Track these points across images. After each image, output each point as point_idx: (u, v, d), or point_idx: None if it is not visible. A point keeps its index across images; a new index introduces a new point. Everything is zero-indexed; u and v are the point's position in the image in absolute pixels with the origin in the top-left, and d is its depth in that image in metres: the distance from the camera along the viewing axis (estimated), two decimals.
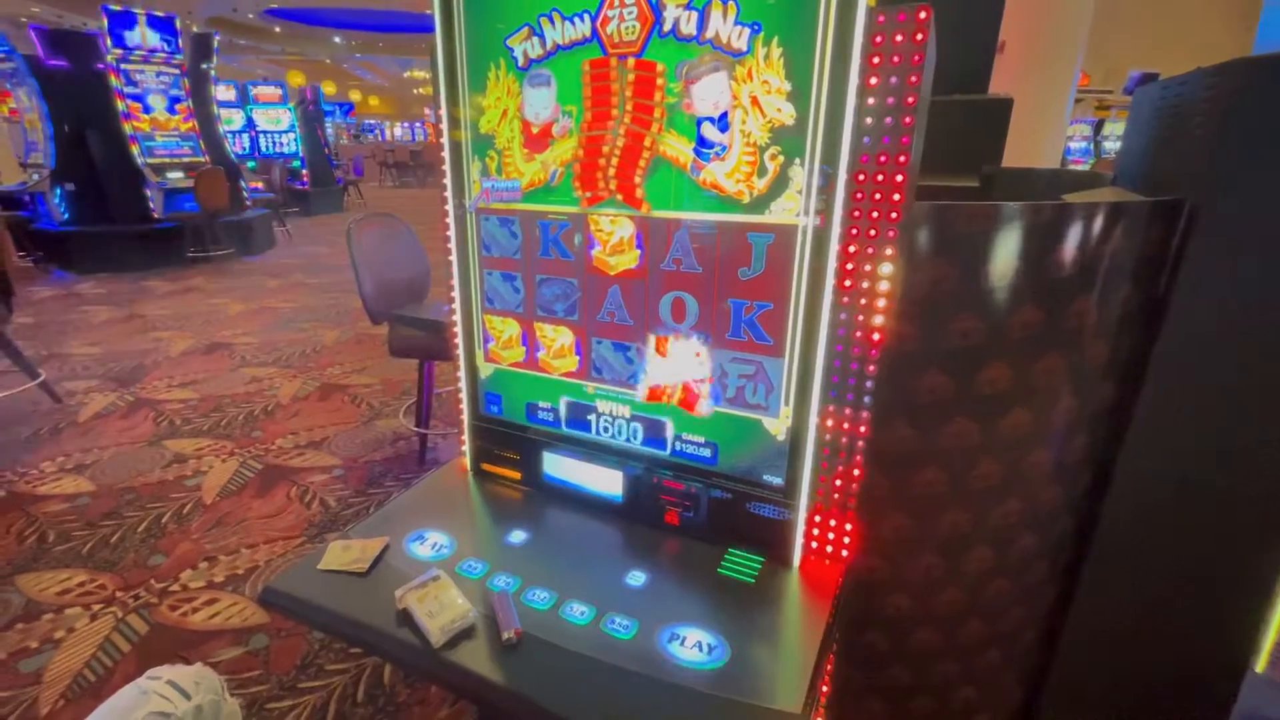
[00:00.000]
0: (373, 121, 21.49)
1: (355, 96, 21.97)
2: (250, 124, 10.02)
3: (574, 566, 0.90)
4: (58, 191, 5.90)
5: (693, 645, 0.75)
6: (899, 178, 0.74)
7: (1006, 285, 1.02)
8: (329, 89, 16.13)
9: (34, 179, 6.13)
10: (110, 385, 3.44)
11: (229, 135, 7.73)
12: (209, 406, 3.17)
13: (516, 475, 1.08)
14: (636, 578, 0.87)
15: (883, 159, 0.74)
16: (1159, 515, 1.18)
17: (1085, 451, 1.18)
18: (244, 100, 9.84)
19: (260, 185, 8.35)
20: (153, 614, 1.80)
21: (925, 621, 1.22)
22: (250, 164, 8.95)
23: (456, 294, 1.04)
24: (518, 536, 0.96)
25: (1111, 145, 11.35)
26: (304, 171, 10.20)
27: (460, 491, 1.09)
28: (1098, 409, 1.16)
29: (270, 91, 9.97)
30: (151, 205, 6.18)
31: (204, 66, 6.81)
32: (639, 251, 0.87)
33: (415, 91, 23.41)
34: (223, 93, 8.76)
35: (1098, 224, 1.03)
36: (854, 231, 0.77)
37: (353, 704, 1.52)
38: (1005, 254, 1.01)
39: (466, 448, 1.14)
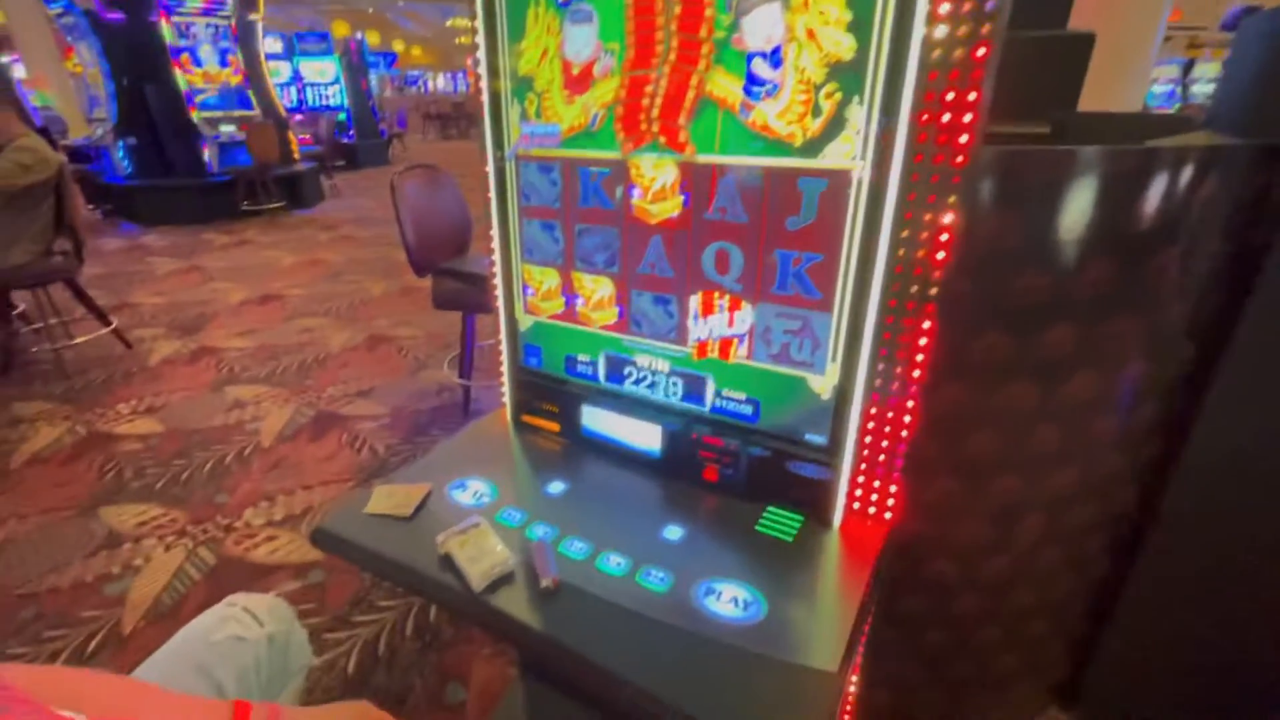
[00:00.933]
0: (415, 73, 21.38)
1: (399, 47, 21.81)
2: (297, 76, 10.11)
3: (611, 519, 0.90)
4: (120, 145, 6.11)
5: (729, 600, 0.75)
6: (968, 118, 0.68)
7: (1079, 239, 0.94)
8: (372, 39, 16.03)
9: (98, 133, 6.36)
10: (175, 333, 3.61)
11: (277, 88, 7.80)
12: (265, 355, 3.31)
13: (555, 427, 1.09)
14: (673, 532, 0.87)
15: (950, 98, 0.68)
16: (1235, 485, 1.10)
17: (1156, 418, 1.11)
18: (290, 52, 9.90)
19: (308, 138, 8.47)
20: (219, 547, 1.93)
21: (970, 587, 1.19)
22: (298, 116, 9.05)
23: (496, 244, 1.03)
24: (556, 487, 0.97)
25: (1201, 89, 10.35)
26: (350, 125, 10.27)
27: (501, 442, 1.10)
28: (1173, 372, 1.09)
29: (316, 43, 9.99)
30: (207, 159, 6.34)
31: (251, 18, 6.85)
32: (682, 198, 0.83)
33: (457, 41, 23.07)
34: (270, 44, 8.82)
35: (1189, 170, 0.94)
36: (915, 178, 0.71)
37: (401, 638, 1.61)
38: (1080, 205, 0.93)
39: (506, 399, 1.14)
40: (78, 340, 3.26)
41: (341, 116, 10.21)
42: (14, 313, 3.20)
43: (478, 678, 1.52)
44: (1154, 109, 9.71)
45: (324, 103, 10.26)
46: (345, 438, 2.52)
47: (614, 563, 0.81)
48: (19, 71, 9.11)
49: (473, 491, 0.96)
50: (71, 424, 2.63)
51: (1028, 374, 1.00)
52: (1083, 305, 0.97)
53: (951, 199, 0.71)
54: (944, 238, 0.73)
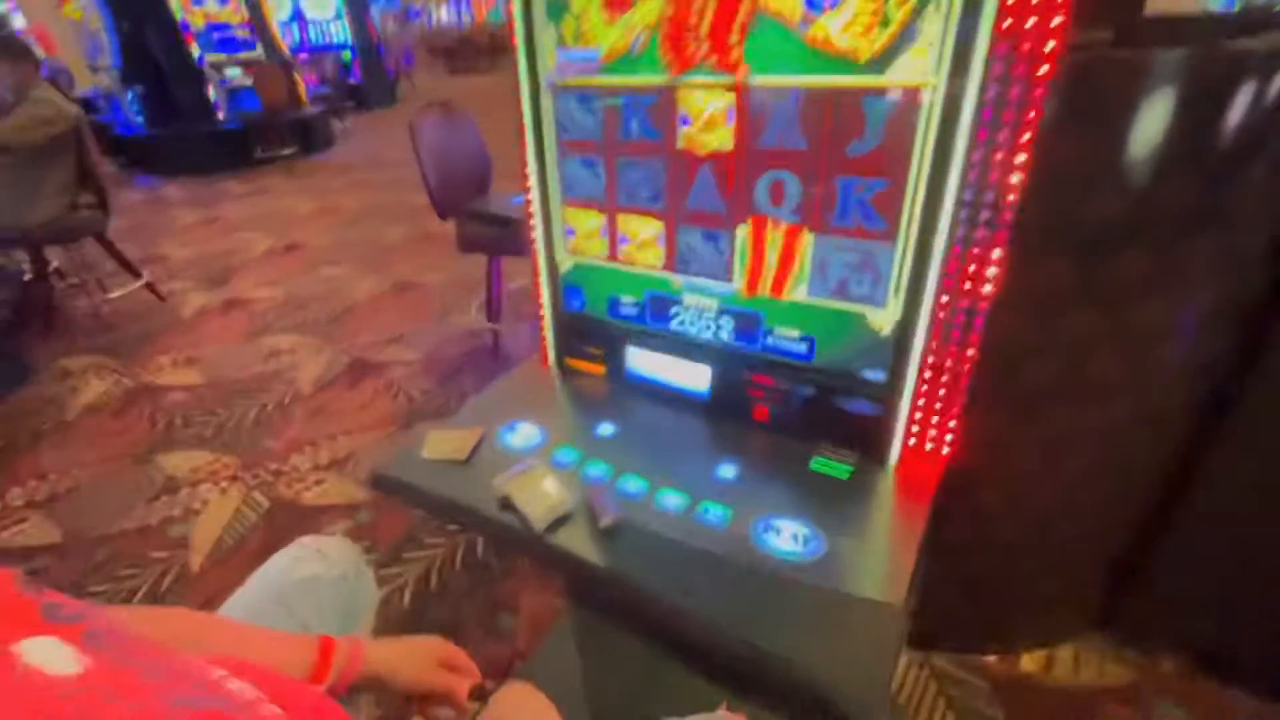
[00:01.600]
0: (416, 5, 20.45)
1: None
2: (298, 13, 9.72)
3: (663, 458, 0.90)
4: (129, 94, 6.01)
5: (788, 536, 0.75)
6: (1056, 21, 0.62)
7: (1157, 156, 0.88)
8: None
9: (105, 82, 6.24)
10: (205, 285, 3.65)
11: (278, 26, 7.53)
12: (294, 304, 3.33)
13: (600, 370, 1.08)
14: (727, 470, 0.87)
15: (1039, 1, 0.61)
16: None
17: (1225, 346, 1.07)
18: None
19: (314, 79, 8.23)
20: (271, 490, 2.00)
21: (1015, 517, 1.19)
22: (299, 58, 8.78)
23: (533, 183, 0.99)
24: (606, 429, 0.97)
25: None
26: (355, 63, 9.94)
27: (545, 386, 1.10)
28: (1250, 298, 1.03)
29: None
30: (216, 104, 6.22)
31: None
32: (733, 127, 0.78)
33: None
34: None
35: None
36: (992, 94, 0.66)
37: (451, 572, 1.68)
38: (1158, 117, 0.86)
39: (549, 343, 1.14)
40: (113, 295, 3.31)
41: (346, 55, 9.86)
42: (49, 269, 3.25)
43: (526, 608, 1.59)
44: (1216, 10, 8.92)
45: (327, 41, 9.90)
46: (380, 384, 2.56)
47: (671, 500, 0.82)
48: (18, 21, 8.90)
49: (523, 434, 0.96)
50: (118, 376, 2.70)
51: (1092, 302, 0.96)
52: (1157, 228, 0.91)
53: (1033, 115, 0.66)
54: (1021, 159, 0.68)
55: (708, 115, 0.80)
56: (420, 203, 2.30)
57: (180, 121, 6.16)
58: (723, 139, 0.80)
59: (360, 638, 0.80)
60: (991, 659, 1.41)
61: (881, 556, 0.74)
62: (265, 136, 6.45)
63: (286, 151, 6.63)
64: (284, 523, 1.87)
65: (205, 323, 3.19)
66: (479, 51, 15.37)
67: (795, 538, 0.75)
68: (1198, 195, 0.89)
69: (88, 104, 6.38)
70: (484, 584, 1.64)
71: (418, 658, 0.78)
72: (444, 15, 20.11)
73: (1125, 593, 1.37)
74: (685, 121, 0.82)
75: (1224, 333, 1.05)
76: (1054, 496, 1.17)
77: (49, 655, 0.36)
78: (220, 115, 6.24)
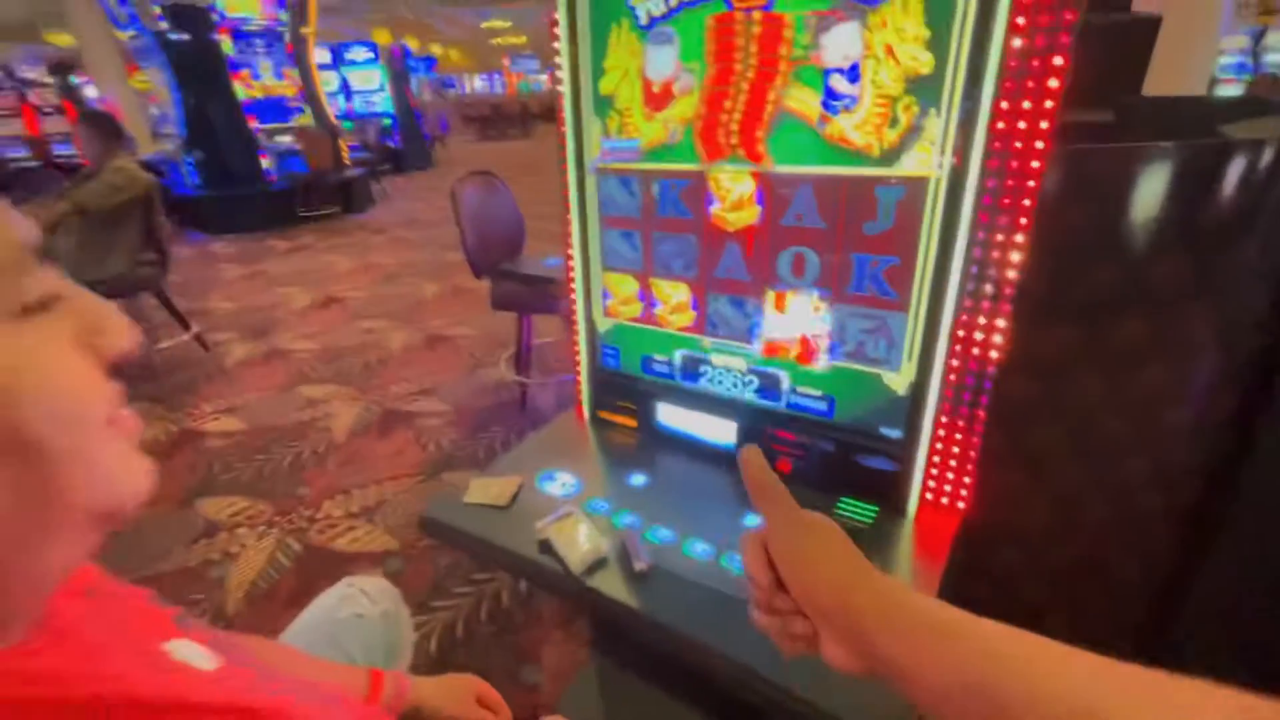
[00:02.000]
0: (452, 76, 21.81)
1: (436, 50, 22.28)
2: (345, 85, 10.46)
3: (691, 508, 0.96)
4: (188, 159, 6.47)
5: None
6: (1044, 124, 0.71)
7: (1151, 232, 0.95)
8: (412, 45, 16.44)
9: (168, 148, 6.74)
10: (248, 336, 3.83)
11: (327, 97, 8.11)
12: (331, 356, 3.48)
13: (632, 423, 1.15)
14: (753, 520, 0.92)
15: (1027, 105, 0.71)
16: None
17: (1227, 409, 1.11)
18: (338, 62, 10.25)
19: (357, 144, 8.77)
20: (305, 536, 2.07)
21: (1034, 576, 1.21)
22: (347, 124, 9.38)
23: (575, 252, 1.10)
24: (637, 480, 1.03)
25: (1275, 58, 9.75)
26: (395, 129, 10.58)
27: (580, 437, 1.18)
28: (1245, 363, 1.08)
29: (362, 51, 10.32)
30: (267, 168, 6.66)
31: (303, 32, 7.13)
32: (759, 208, 0.88)
33: (492, 43, 23.43)
34: (320, 55, 9.15)
35: (1267, 159, 0.93)
36: (990, 183, 0.75)
37: (477, 622, 1.71)
38: (1151, 199, 0.94)
39: (584, 397, 1.21)
40: (164, 345, 3.49)
41: (387, 122, 10.53)
42: None
43: (550, 659, 1.60)
44: (1223, 81, 9.20)
45: (370, 109, 10.60)
46: (411, 434, 2.65)
47: (699, 549, 0.87)
48: (90, 91, 9.68)
49: (560, 483, 1.03)
50: (165, 423, 2.83)
51: (1094, 367, 1.02)
52: (1155, 297, 0.98)
53: (1026, 201, 0.74)
54: (1020, 238, 0.76)
55: (735, 197, 0.90)
56: (452, 260, 2.45)
57: (232, 184, 6.58)
58: (749, 217, 0.90)
59: (403, 673, 0.85)
60: None
61: None
62: (309, 197, 6.85)
63: (328, 211, 7.01)
64: (316, 568, 1.93)
65: (246, 372, 3.34)
66: (509, 119, 16.23)
67: None
68: (1190, 269, 0.96)
69: (150, 167, 6.87)
70: (508, 634, 1.67)
71: (458, 693, 0.83)
72: (477, 85, 21.33)
73: (1152, 658, 1.36)
74: (715, 202, 0.92)
75: (1228, 393, 1.09)
76: (1071, 554, 1.19)
77: (190, 654, 0.43)
78: (270, 178, 6.66)
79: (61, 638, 0.34)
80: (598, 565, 0.86)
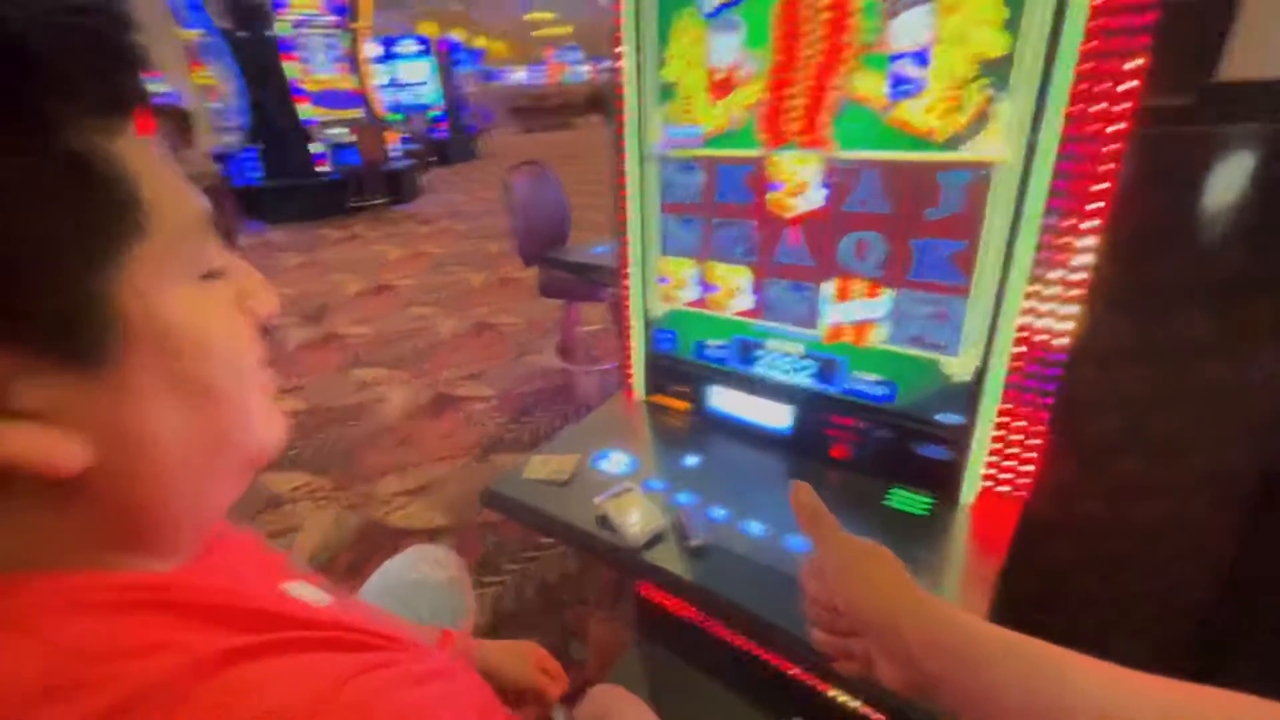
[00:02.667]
0: (497, 68, 22.09)
1: (481, 42, 22.57)
2: (394, 78, 10.70)
3: (746, 489, 0.98)
4: (248, 151, 6.74)
5: None
6: (1123, 106, 0.70)
7: (1227, 221, 0.92)
8: (458, 37, 16.68)
9: (230, 141, 7.04)
10: (306, 321, 4.00)
11: (378, 89, 8.33)
12: (383, 341, 3.61)
13: (685, 406, 1.18)
14: None
15: (1105, 88, 0.70)
16: None
17: None
18: (389, 55, 10.49)
19: (405, 136, 8.98)
20: (361, 511, 2.16)
21: (1085, 568, 1.19)
22: (396, 116, 9.61)
23: (633, 238, 1.12)
24: (691, 461, 1.06)
25: None
26: (442, 121, 10.79)
27: (634, 419, 1.20)
28: None
29: (412, 45, 10.54)
30: (320, 160, 6.89)
31: (356, 25, 7.33)
32: (823, 192, 0.89)
33: (535, 35, 23.58)
34: (371, 49, 9.39)
35: None
36: (1063, 167, 0.74)
37: (525, 599, 1.76)
38: (1230, 186, 0.91)
39: (635, 380, 1.24)
40: None
41: (433, 114, 10.75)
42: None
43: (595, 637, 1.65)
44: None
45: (417, 101, 10.84)
46: (460, 416, 2.74)
47: (755, 528, 0.89)
48: (161, 86, 10.16)
49: (616, 462, 1.06)
50: None
51: (1151, 360, 0.99)
52: (1218, 290, 0.95)
53: (1102, 186, 0.73)
54: (1092, 224, 0.75)
55: (797, 182, 0.90)
56: (498, 250, 2.51)
57: (289, 175, 6.84)
58: (811, 203, 0.90)
59: (469, 635, 0.90)
60: None
61: (957, 592, 0.78)
62: (359, 187, 7.07)
63: (377, 201, 7.22)
64: (372, 542, 2.02)
65: (305, 355, 3.49)
66: (551, 111, 16.34)
67: None
68: (1262, 259, 0.92)
69: (214, 160, 7.20)
70: (555, 610, 1.72)
71: (520, 658, 0.87)
72: (521, 77, 21.51)
73: (1210, 661, 1.31)
74: (777, 187, 0.93)
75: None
76: (1122, 548, 1.17)
77: (306, 593, 0.48)
78: (324, 168, 6.90)
79: (214, 568, 0.39)
80: (655, 540, 0.88)
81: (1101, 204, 0.74)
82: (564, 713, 0.84)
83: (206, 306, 0.33)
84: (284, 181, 6.83)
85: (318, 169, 6.90)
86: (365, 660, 0.34)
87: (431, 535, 2.03)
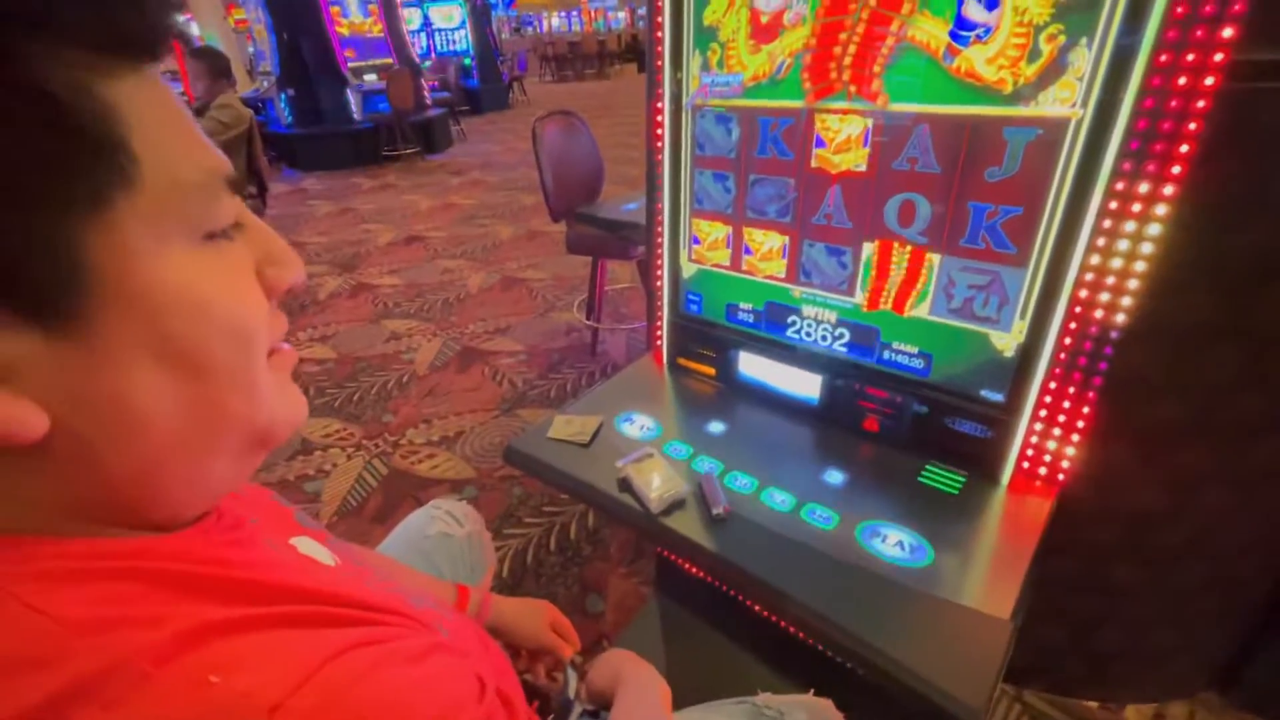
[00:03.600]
0: (530, 14, 21.44)
1: None
2: (426, 23, 10.48)
3: (772, 459, 0.95)
4: (283, 97, 6.72)
5: (895, 544, 0.79)
6: (1217, 57, 0.62)
7: None
8: None
9: (264, 86, 7.02)
10: (337, 270, 4.04)
11: (409, 35, 8.17)
12: (413, 292, 3.63)
13: (711, 372, 1.15)
14: (834, 476, 0.91)
15: (1198, 34, 0.62)
16: None
17: None
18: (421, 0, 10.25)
19: (437, 84, 8.84)
20: (390, 460, 2.21)
21: (1131, 557, 1.14)
22: (427, 63, 9.44)
23: (665, 193, 1.07)
24: (716, 427, 1.03)
25: None
26: (474, 69, 10.57)
27: (659, 383, 1.18)
28: None
29: None
30: (353, 107, 6.84)
31: None
32: (867, 150, 0.83)
33: None
34: None
35: None
36: (1142, 125, 0.67)
37: (547, 551, 1.79)
38: None
39: (663, 342, 1.21)
40: None
41: (466, 61, 10.52)
42: None
43: (614, 592, 1.67)
44: None
45: (450, 48, 10.62)
46: (487, 371, 2.75)
47: (778, 499, 0.87)
48: (193, 29, 10.14)
49: (639, 426, 1.04)
50: None
51: (1236, 340, 0.92)
52: None
53: (1184, 148, 0.66)
54: (1168, 190, 0.68)
55: (843, 138, 0.84)
56: (527, 203, 2.47)
57: (323, 121, 6.81)
58: (856, 160, 0.84)
59: (486, 590, 0.91)
60: (1092, 705, 1.35)
61: (989, 573, 0.75)
62: (391, 136, 7.01)
63: (409, 151, 7.17)
64: (399, 490, 2.07)
65: (336, 304, 3.54)
66: (586, 59, 15.88)
67: (901, 545, 0.78)
68: None
69: (248, 104, 7.20)
70: (575, 565, 1.75)
71: (534, 617, 0.88)
72: (555, 23, 20.89)
73: (1254, 652, 1.27)
74: (820, 143, 0.87)
75: None
76: (1179, 540, 1.12)
77: (313, 550, 0.47)
78: (357, 116, 6.85)
79: (215, 529, 0.38)
80: (675, 506, 0.87)
81: (1180, 168, 0.67)
82: (575, 672, 0.85)
83: (210, 269, 0.31)
84: (318, 128, 6.81)
85: (350, 117, 6.85)
86: (352, 636, 0.33)
87: (457, 486, 2.07)
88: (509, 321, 3.19)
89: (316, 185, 6.33)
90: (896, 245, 0.85)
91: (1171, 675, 1.34)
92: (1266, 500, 1.07)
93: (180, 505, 0.35)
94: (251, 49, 7.47)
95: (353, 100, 6.84)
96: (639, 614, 1.58)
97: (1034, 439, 0.84)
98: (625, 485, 0.91)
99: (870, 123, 0.81)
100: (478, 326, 3.16)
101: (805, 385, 1.02)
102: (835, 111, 0.84)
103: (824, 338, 0.98)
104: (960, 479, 0.88)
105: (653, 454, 0.94)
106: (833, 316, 0.96)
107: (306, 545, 0.48)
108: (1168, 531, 1.11)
